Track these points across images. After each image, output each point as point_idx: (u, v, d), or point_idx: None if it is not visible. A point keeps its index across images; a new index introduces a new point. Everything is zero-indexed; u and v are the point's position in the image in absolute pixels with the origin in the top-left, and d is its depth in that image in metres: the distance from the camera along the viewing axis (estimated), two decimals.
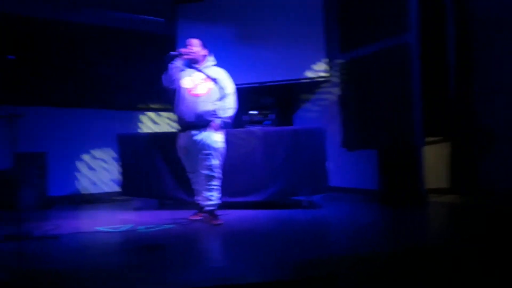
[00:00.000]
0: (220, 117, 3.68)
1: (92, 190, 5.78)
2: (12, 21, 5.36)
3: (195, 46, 3.79)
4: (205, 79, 3.72)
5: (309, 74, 5.89)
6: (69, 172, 5.63)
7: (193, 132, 3.66)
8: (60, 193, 5.46)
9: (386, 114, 4.96)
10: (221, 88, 3.74)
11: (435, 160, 4.76)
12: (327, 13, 5.80)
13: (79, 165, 5.73)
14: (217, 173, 3.68)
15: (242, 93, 6.33)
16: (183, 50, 3.75)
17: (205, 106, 3.64)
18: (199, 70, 3.77)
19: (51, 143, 5.45)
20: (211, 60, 3.87)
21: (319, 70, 5.85)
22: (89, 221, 3.94)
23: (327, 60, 5.81)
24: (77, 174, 5.71)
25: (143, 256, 2.68)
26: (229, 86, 3.77)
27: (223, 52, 6.21)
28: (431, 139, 4.73)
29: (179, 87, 3.74)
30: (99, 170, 5.86)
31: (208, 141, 3.62)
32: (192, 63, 3.81)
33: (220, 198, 3.75)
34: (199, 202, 3.77)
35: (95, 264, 2.54)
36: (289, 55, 5.95)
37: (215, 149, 3.64)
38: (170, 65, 3.70)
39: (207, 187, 3.66)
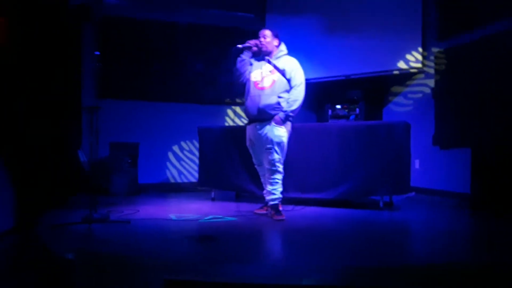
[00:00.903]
0: (284, 111, 3.56)
1: (179, 179, 6.10)
2: (115, 22, 5.88)
3: (267, 37, 3.71)
4: (272, 71, 3.64)
5: (401, 65, 5.44)
6: (158, 162, 6.01)
7: (257, 125, 3.61)
8: (150, 181, 5.87)
9: (488, 110, 4.36)
10: (289, 80, 3.62)
11: None
12: None
13: (168, 155, 6.08)
14: (279, 167, 3.59)
15: (327, 87, 6.18)
16: (251, 42, 3.71)
17: (268, 99, 3.56)
18: (269, 62, 3.70)
19: (144, 134, 5.89)
20: (282, 50, 3.76)
21: (412, 60, 5.37)
22: (165, 209, 4.15)
23: (422, 49, 5.30)
24: (166, 164, 6.07)
25: (200, 246, 2.72)
26: (298, 77, 3.62)
27: (310, 44, 6.09)
28: None
29: (248, 80, 3.72)
30: (186, 161, 6.16)
31: (270, 135, 3.54)
32: (264, 55, 3.75)
33: (283, 193, 3.65)
34: (264, 195, 3.72)
35: (153, 251, 2.63)
36: (379, 45, 5.57)
37: (277, 143, 3.55)
38: (238, 59, 3.70)
39: (270, 181, 3.60)
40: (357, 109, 5.86)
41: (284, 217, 3.51)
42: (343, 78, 5.81)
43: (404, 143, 4.03)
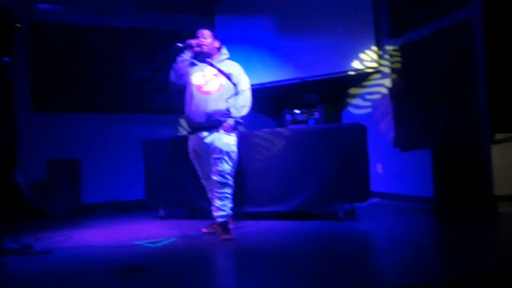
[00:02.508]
0: (232, 117, 3.22)
1: (129, 197, 5.62)
2: (49, 28, 5.39)
3: (207, 37, 3.37)
4: (217, 75, 3.30)
5: (356, 65, 5.22)
6: (105, 179, 5.52)
7: (203, 133, 3.25)
8: (96, 200, 5.39)
9: (445, 107, 4.17)
10: (235, 84, 3.30)
11: (506, 160, 3.86)
12: None
13: (116, 171, 5.60)
14: (229, 179, 3.22)
15: (283, 91, 5.90)
16: (192, 41, 3.35)
17: (216, 104, 3.21)
18: (211, 65, 3.35)
19: (87, 149, 5.42)
20: (224, 53, 3.43)
21: (367, 59, 5.15)
22: (102, 232, 3.71)
23: (376, 47, 5.10)
24: (114, 180, 5.58)
25: (126, 281, 2.30)
26: (244, 81, 3.31)
27: (263, 46, 5.79)
28: (500, 135, 3.84)
29: (189, 83, 3.36)
30: (136, 176, 5.69)
31: (219, 144, 3.18)
32: (204, 57, 3.40)
33: (233, 208, 3.29)
34: (212, 212, 3.34)
35: None
36: (333, 45, 5.34)
37: (226, 152, 3.19)
38: (178, 58, 3.33)
39: (218, 195, 3.22)
40: (316, 113, 5.62)
41: (232, 236, 3.14)
42: (299, 81, 5.54)
43: (361, 146, 3.76)
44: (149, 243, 3.11)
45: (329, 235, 3.21)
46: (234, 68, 3.34)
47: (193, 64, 3.41)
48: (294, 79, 5.57)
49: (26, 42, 5.27)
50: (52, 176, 4.83)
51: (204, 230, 3.41)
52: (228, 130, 3.20)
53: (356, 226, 3.54)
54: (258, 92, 5.90)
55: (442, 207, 3.77)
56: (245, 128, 4.63)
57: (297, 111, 5.71)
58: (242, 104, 3.24)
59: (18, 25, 4.86)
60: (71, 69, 5.47)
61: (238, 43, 5.94)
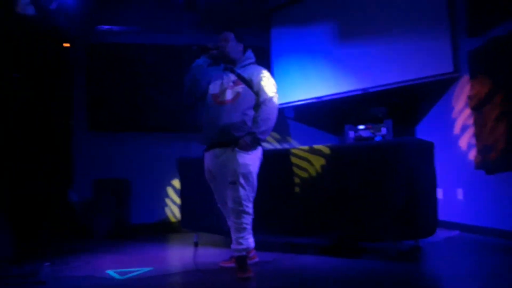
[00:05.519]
0: (251, 132, 2.73)
1: (179, 217, 5.38)
2: (110, 49, 5.45)
3: (229, 41, 2.95)
4: (236, 82, 2.85)
5: (429, 71, 4.41)
6: (155, 199, 5.36)
7: (218, 151, 2.81)
8: (145, 221, 5.23)
9: None
10: (257, 93, 2.82)
11: None
12: None
13: (164, 192, 5.42)
14: (246, 207, 2.70)
15: (344, 104, 5.25)
16: (210, 44, 2.96)
17: (229, 117, 2.75)
18: (233, 71, 2.92)
19: (137, 168, 5.32)
20: (249, 57, 2.98)
21: (441, 64, 4.32)
22: (123, 258, 3.43)
23: (452, 49, 4.26)
24: (160, 201, 5.40)
25: None
26: (267, 89, 2.80)
27: (319, 57, 5.26)
28: None
29: (206, 93, 2.96)
30: None
31: (234, 165, 2.70)
32: (226, 62, 2.98)
33: (253, 242, 2.77)
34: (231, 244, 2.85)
35: None
36: (399, 51, 4.61)
37: (242, 175, 2.69)
38: (193, 65, 2.96)
39: (235, 225, 2.73)
40: (383, 129, 4.90)
41: (251, 274, 2.63)
42: (360, 92, 4.86)
43: (424, 167, 3.02)
44: (165, 274, 2.72)
45: (378, 280, 2.51)
46: (255, 73, 2.85)
47: (214, 71, 3.02)
48: (355, 90, 4.91)
49: (83, 62, 5.38)
50: (97, 196, 4.77)
51: (223, 264, 2.94)
52: (245, 149, 2.71)
53: (418, 269, 2.78)
54: (316, 106, 5.38)
55: None
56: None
57: (361, 127, 5.03)
58: (263, 117, 2.74)
59: (67, 44, 4.96)
60: (126, 88, 5.45)
61: (295, 54, 5.50)
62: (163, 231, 5.09)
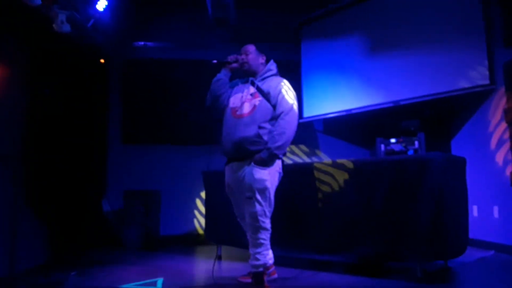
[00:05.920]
0: (268, 147, 2.70)
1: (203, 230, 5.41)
2: (144, 64, 5.62)
3: (249, 53, 2.97)
4: (255, 94, 2.84)
5: (464, 83, 4.24)
6: (185, 211, 5.43)
7: (235, 165, 2.81)
8: (174, 232, 5.30)
9: None
10: (275, 105, 2.79)
11: None
12: None
13: (193, 204, 5.48)
14: (263, 222, 2.68)
15: (375, 117, 5.12)
16: (230, 57, 2.99)
17: (245, 131, 2.74)
18: (253, 83, 2.93)
19: (168, 180, 5.41)
20: (270, 69, 2.98)
21: (477, 76, 4.15)
22: (143, 270, 3.45)
23: (488, 61, 4.08)
24: (190, 213, 5.46)
25: None
26: (284, 102, 2.76)
27: (349, 70, 5.19)
28: None
29: (227, 107, 2.97)
30: None
31: (250, 180, 2.68)
32: (248, 75, 2.99)
33: (272, 258, 2.73)
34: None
35: None
36: (432, 62, 4.48)
37: (259, 190, 2.67)
38: (213, 79, 2.99)
39: (252, 240, 2.71)
40: (416, 142, 4.76)
41: None
42: (391, 105, 4.74)
43: (454, 184, 2.89)
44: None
45: None
46: (273, 86, 2.82)
47: (235, 84, 3.04)
48: (386, 103, 4.80)
49: (119, 77, 5.58)
50: (128, 206, 4.88)
51: (241, 280, 2.91)
52: (260, 164, 2.69)
53: None
54: (345, 119, 5.29)
55: None
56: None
57: (392, 140, 4.90)
58: (279, 131, 2.70)
59: (102, 60, 5.15)
60: (158, 103, 5.59)
61: (324, 67, 5.46)
62: (191, 243, 5.13)
